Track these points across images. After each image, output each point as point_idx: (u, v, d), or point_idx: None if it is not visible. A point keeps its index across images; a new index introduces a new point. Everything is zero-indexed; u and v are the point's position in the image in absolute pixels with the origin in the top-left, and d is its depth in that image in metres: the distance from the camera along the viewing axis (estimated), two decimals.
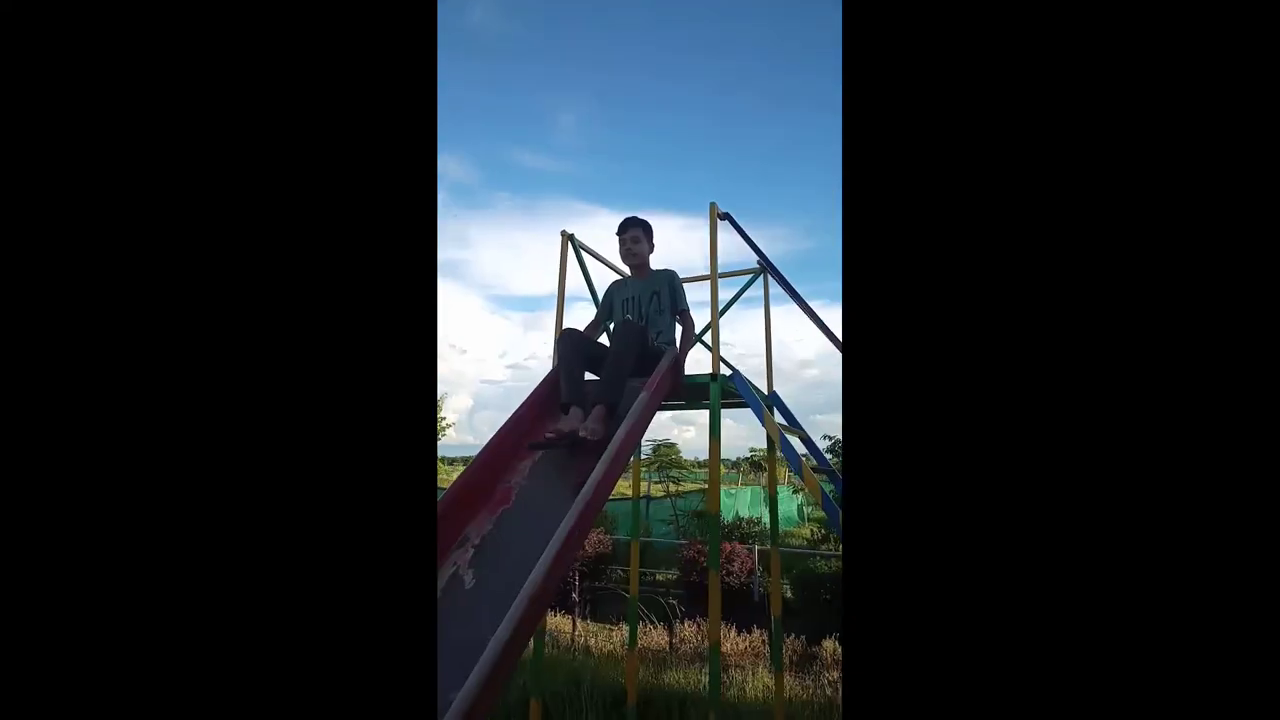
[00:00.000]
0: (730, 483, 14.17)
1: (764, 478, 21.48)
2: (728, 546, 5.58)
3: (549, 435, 1.75)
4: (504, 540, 1.55)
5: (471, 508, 1.66)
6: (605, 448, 1.69)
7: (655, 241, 2.27)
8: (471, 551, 1.54)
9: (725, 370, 2.15)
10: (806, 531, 9.88)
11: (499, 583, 1.42)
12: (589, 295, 2.55)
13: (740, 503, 11.38)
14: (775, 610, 2.46)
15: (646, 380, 1.93)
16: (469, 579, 1.46)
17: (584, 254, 2.47)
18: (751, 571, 5.52)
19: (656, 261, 2.28)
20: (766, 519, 10.63)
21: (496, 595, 1.38)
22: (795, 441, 2.09)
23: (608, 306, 2.30)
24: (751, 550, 5.80)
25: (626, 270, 2.32)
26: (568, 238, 2.37)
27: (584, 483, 1.65)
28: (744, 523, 7.74)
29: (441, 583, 1.47)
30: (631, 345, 1.89)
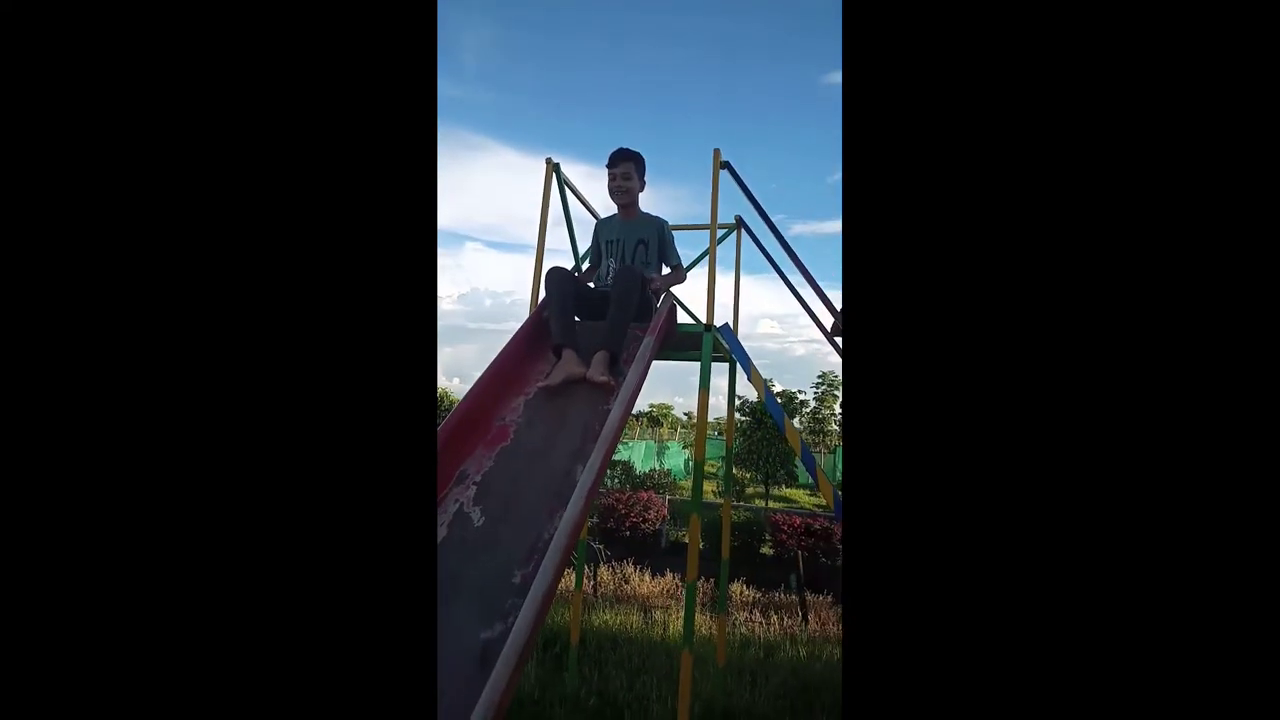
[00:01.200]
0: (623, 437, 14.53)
1: (659, 432, 22.23)
2: (644, 495, 5.75)
3: (557, 381, 1.70)
4: (507, 478, 1.49)
5: (467, 444, 1.57)
6: (612, 392, 1.67)
7: (645, 180, 2.17)
8: (473, 489, 1.46)
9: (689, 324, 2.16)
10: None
11: (512, 520, 1.37)
12: (568, 235, 2.43)
13: (635, 455, 11.75)
14: (725, 553, 2.58)
15: (641, 326, 1.90)
16: (476, 516, 1.39)
17: (568, 189, 2.34)
18: (664, 519, 5.75)
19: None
20: (676, 472, 11.01)
21: (513, 533, 1.33)
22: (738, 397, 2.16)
23: (597, 249, 2.20)
24: (664, 500, 6.02)
25: (603, 211, 2.22)
26: (553, 167, 2.23)
27: (585, 423, 1.62)
28: (657, 474, 7.99)
29: (446, 518, 1.39)
30: (633, 292, 1.84)
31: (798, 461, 8.53)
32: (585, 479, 1.29)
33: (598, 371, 1.68)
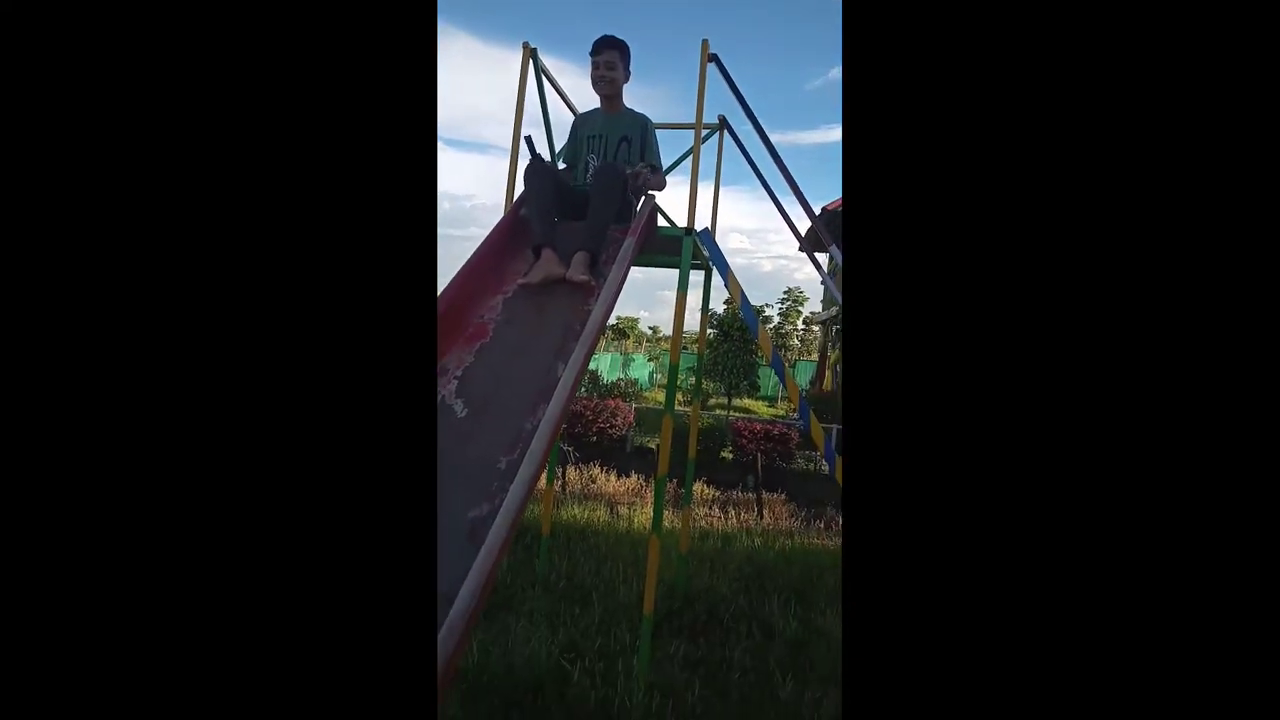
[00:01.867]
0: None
1: (625, 344, 22.45)
2: (611, 403, 5.91)
3: (536, 280, 1.68)
4: (488, 373, 1.51)
5: (446, 340, 1.57)
6: (592, 292, 1.67)
7: (630, 70, 2.04)
8: (455, 382, 1.49)
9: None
10: (660, 394, 10.79)
11: (495, 412, 1.40)
12: (544, 129, 2.32)
13: (602, 366, 11.94)
14: (691, 453, 2.72)
15: (621, 227, 1.88)
16: (459, 408, 1.43)
17: (545, 77, 2.21)
18: (630, 426, 5.95)
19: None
20: (641, 382, 11.26)
21: (497, 423, 1.37)
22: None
23: (573, 145, 2.11)
24: (631, 407, 6.20)
25: (581, 106, 2.10)
26: (530, 53, 2.09)
27: (566, 322, 1.63)
28: (623, 383, 8.17)
29: None
30: (614, 193, 1.79)
31: (760, 373, 8.80)
32: (569, 373, 1.32)
33: (578, 271, 1.68)
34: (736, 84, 2.08)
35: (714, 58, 1.97)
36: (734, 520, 4.11)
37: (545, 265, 1.70)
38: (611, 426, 5.70)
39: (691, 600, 2.65)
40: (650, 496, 4.65)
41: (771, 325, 12.89)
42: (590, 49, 1.98)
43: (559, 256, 1.73)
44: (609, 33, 2.14)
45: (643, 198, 1.97)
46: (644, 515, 4.02)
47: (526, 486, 1.10)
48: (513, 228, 1.89)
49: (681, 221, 2.01)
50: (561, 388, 1.29)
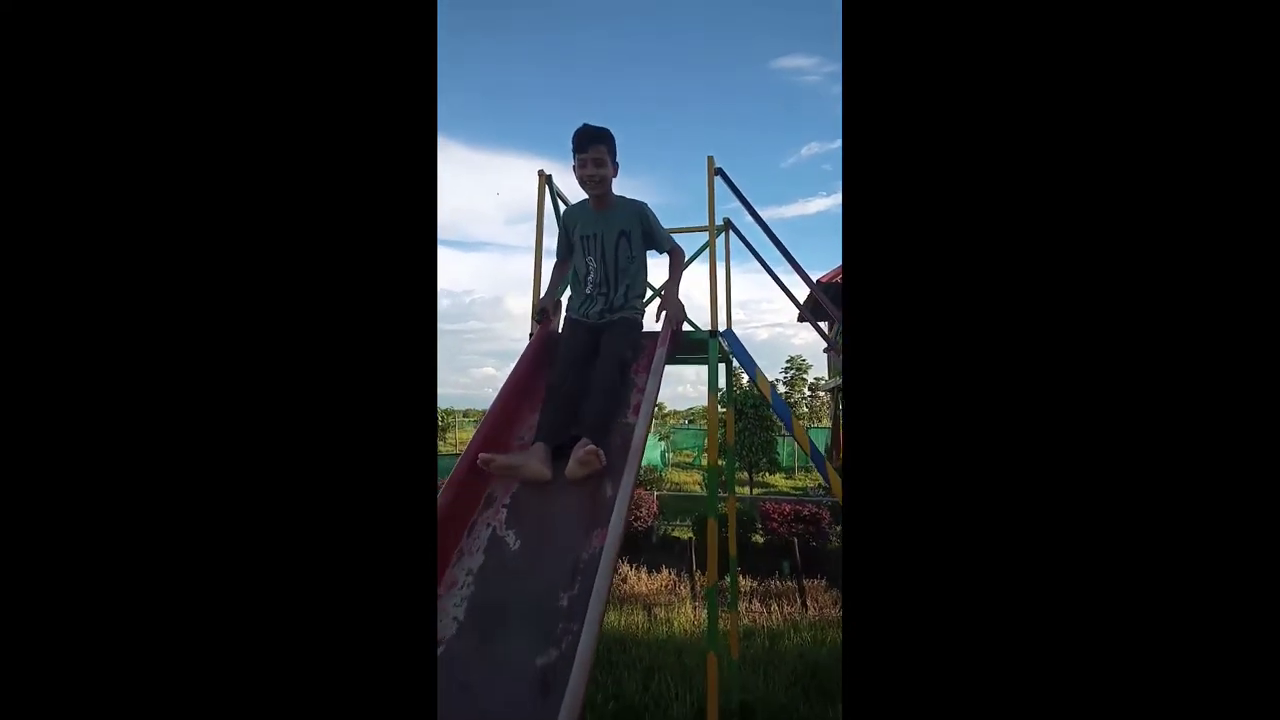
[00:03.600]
0: None
1: None
2: (636, 493, 5.79)
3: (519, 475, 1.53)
4: (536, 498, 1.49)
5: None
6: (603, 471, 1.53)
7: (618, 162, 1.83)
8: (504, 511, 1.46)
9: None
10: (674, 474, 10.63)
11: (549, 542, 1.37)
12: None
13: None
14: (732, 550, 2.63)
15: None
16: (511, 540, 1.39)
17: (560, 199, 2.33)
18: (655, 516, 5.80)
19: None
20: (654, 463, 11.09)
21: (552, 555, 1.34)
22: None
23: (566, 241, 1.96)
24: (653, 495, 6.07)
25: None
26: (545, 179, 2.22)
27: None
28: (643, 470, 8.05)
29: (480, 544, 1.39)
30: (616, 386, 1.70)
31: (779, 449, 8.68)
32: (621, 497, 1.30)
33: (578, 469, 1.48)
34: (740, 189, 2.19)
35: (719, 171, 2.09)
36: (777, 614, 3.91)
37: (531, 462, 1.53)
38: (637, 519, 5.55)
39: (749, 713, 2.48)
40: (684, 592, 4.44)
41: (781, 394, 12.94)
42: (573, 143, 1.76)
43: (551, 451, 1.56)
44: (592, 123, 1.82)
45: (668, 316, 1.92)
46: (682, 616, 3.84)
47: (595, 628, 1.05)
48: (544, 345, 1.93)
49: (709, 323, 2.05)
50: (616, 516, 1.26)
